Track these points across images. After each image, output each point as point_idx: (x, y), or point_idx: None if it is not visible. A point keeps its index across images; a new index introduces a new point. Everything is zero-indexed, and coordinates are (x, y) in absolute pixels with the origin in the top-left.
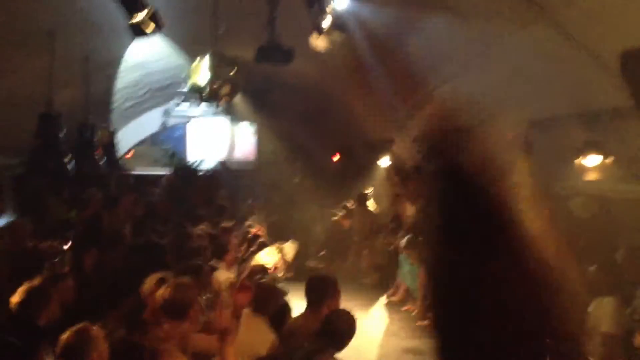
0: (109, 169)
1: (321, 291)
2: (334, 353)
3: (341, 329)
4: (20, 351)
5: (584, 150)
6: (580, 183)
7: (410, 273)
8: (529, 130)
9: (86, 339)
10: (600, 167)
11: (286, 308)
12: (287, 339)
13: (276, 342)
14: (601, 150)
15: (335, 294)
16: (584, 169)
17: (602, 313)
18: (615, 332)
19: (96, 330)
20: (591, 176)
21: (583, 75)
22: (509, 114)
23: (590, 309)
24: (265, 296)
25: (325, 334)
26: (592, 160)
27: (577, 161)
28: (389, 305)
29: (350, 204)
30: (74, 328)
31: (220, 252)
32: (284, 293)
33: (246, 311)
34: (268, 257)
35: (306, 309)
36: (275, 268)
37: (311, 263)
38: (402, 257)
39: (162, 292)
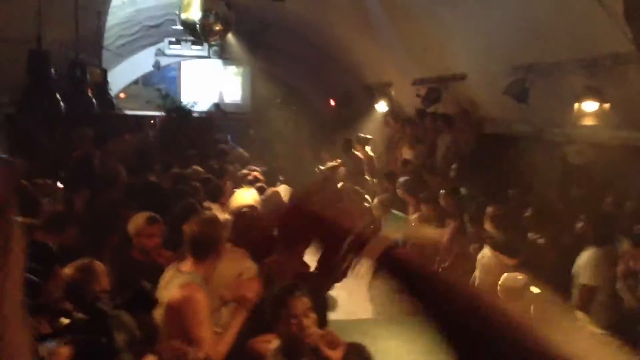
0: (101, 109)
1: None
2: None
3: None
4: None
5: (583, 96)
6: (577, 129)
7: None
8: (526, 75)
9: (89, 273)
10: (598, 114)
11: (269, 240)
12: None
13: (258, 272)
14: (600, 97)
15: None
16: (581, 115)
17: (582, 264)
18: (592, 284)
19: (98, 264)
20: (588, 122)
21: (584, 19)
22: (505, 57)
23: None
24: (245, 226)
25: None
26: (590, 106)
27: (574, 107)
28: None
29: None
30: (76, 263)
31: (214, 194)
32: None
33: (227, 245)
34: (248, 195)
35: (281, 246)
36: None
37: None
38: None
39: (189, 228)
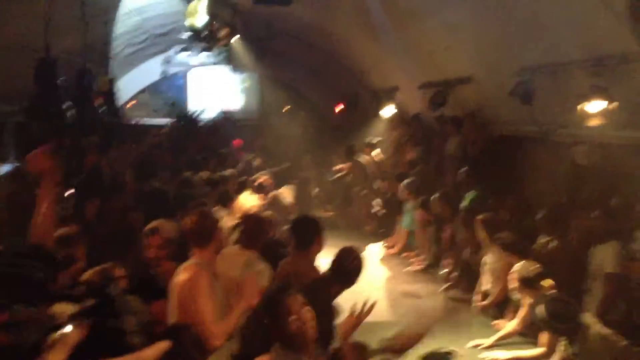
0: (109, 118)
1: (309, 230)
2: (341, 289)
3: (351, 266)
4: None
5: (589, 96)
6: (584, 130)
7: (412, 217)
8: (532, 76)
9: (109, 278)
10: (605, 113)
11: (277, 241)
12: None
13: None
14: (606, 96)
15: (320, 232)
16: (588, 115)
17: (605, 256)
18: (620, 271)
19: (118, 269)
20: (595, 122)
21: (590, 19)
22: (511, 59)
23: (593, 253)
24: (252, 228)
25: (335, 271)
26: (596, 106)
27: (581, 107)
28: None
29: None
30: (95, 268)
31: (224, 199)
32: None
33: (235, 247)
34: (250, 199)
35: (294, 250)
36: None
37: (318, 212)
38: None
39: (186, 221)
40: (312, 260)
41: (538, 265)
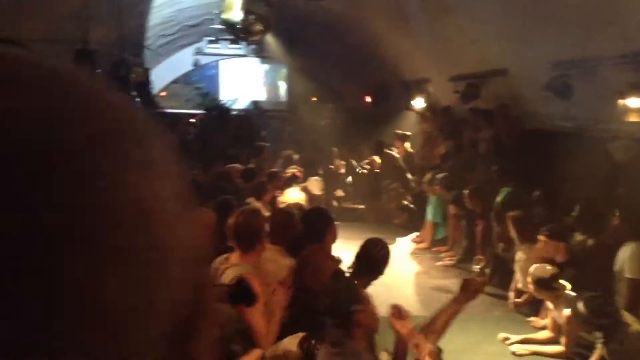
0: (144, 107)
1: (321, 222)
2: (369, 280)
3: (378, 255)
4: None
5: (627, 92)
6: (622, 125)
7: (436, 209)
8: (569, 71)
9: None
10: None
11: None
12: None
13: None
14: None
15: (332, 223)
16: (625, 111)
17: (627, 258)
18: (638, 277)
19: None
20: (633, 118)
21: (627, 14)
22: (545, 53)
23: (618, 254)
24: (281, 223)
25: (362, 261)
26: (634, 102)
27: (619, 103)
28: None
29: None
30: None
31: (258, 191)
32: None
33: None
34: (296, 194)
35: (309, 243)
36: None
37: (348, 204)
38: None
39: (233, 221)
40: (329, 251)
41: (552, 267)
